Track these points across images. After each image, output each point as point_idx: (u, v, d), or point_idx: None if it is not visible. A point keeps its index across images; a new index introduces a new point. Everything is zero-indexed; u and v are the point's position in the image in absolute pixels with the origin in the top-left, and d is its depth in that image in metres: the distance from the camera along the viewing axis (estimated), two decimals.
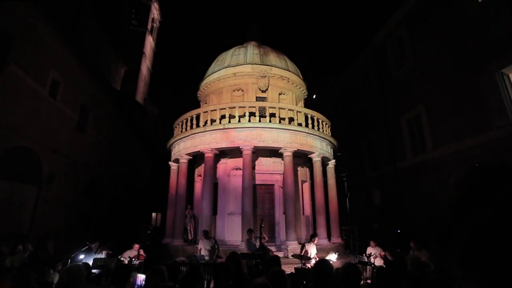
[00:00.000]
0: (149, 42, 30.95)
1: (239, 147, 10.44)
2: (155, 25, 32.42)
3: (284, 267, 3.60)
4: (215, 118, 11.14)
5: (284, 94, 13.54)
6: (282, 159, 10.97)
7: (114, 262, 6.41)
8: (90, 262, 6.10)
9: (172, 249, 10.58)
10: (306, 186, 12.82)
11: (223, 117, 10.95)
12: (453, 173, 10.00)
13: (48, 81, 10.51)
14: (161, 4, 32.74)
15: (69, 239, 9.95)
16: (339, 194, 12.79)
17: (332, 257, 8.01)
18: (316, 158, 11.61)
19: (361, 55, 16.67)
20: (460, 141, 9.79)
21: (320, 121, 11.85)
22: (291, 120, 11.19)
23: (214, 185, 11.22)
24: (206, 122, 11.34)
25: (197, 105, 14.13)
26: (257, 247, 7.78)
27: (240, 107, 11.01)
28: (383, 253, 8.10)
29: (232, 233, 10.56)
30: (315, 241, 8.25)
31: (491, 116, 8.77)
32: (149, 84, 32.34)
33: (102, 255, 7.20)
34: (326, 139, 11.87)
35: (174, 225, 11.54)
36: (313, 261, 7.42)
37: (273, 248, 9.31)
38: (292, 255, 8.46)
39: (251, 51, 13.91)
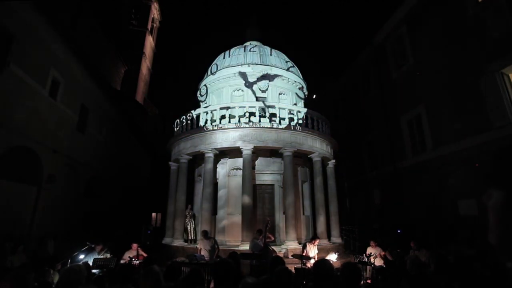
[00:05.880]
0: (149, 42, 30.95)
1: (239, 147, 10.44)
2: (155, 25, 32.41)
3: None
4: (215, 118, 11.14)
5: (284, 94, 13.53)
6: (282, 159, 10.98)
7: (114, 262, 6.42)
8: (90, 262, 6.10)
9: (172, 249, 10.57)
10: (306, 186, 12.82)
11: (223, 117, 10.96)
12: (453, 173, 10.00)
13: (48, 81, 10.51)
14: (161, 4, 32.73)
15: (69, 239, 9.95)
16: (339, 194, 12.78)
17: (332, 257, 8.00)
18: (316, 158, 11.61)
19: (361, 55, 16.64)
20: (460, 141, 9.78)
21: (320, 121, 11.85)
22: (291, 120, 11.19)
23: (214, 185, 11.22)
24: (206, 122, 11.34)
25: (197, 105, 14.12)
26: (262, 247, 7.80)
27: (240, 107, 11.03)
28: (383, 253, 8.09)
29: (232, 233, 10.56)
30: (316, 243, 8.27)
31: (491, 116, 8.77)
32: (149, 84, 32.34)
33: (108, 256, 7.19)
34: (326, 139, 11.88)
35: (174, 225, 11.53)
36: (312, 261, 7.42)
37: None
38: (292, 255, 8.46)
39: (251, 51, 13.90)
